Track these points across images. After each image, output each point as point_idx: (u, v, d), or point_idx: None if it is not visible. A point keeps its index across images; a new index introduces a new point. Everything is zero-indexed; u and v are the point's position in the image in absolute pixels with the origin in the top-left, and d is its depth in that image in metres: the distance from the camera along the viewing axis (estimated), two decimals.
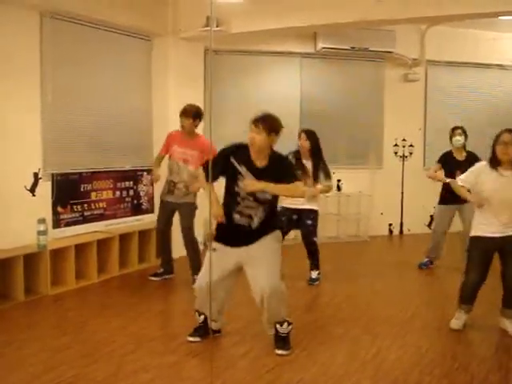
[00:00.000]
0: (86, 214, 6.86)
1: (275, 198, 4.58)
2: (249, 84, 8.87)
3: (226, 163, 4.40)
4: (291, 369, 4.24)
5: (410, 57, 9.42)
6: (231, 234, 4.51)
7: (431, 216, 9.81)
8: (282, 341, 4.56)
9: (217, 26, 7.08)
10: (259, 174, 4.39)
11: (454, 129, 7.16)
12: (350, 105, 9.33)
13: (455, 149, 7.10)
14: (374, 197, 9.44)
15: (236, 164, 4.40)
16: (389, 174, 9.67)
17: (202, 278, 4.64)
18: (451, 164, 7.02)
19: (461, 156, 7.06)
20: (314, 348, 4.63)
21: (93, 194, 6.96)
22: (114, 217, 7.27)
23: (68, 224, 6.62)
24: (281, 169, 4.49)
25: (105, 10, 6.70)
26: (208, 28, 7.05)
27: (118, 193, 7.34)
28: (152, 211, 7.80)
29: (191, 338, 4.75)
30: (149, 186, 7.73)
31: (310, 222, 6.50)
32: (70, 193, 6.66)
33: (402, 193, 9.77)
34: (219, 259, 4.38)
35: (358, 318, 5.44)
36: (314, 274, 6.65)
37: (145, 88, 7.74)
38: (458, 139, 7.03)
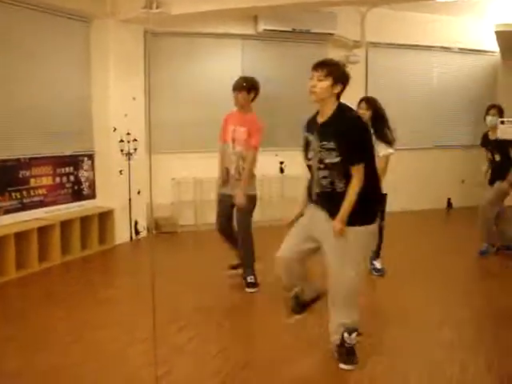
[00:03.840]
0: (25, 201, 6.70)
1: (346, 161, 3.79)
2: (190, 66, 8.78)
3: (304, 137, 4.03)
4: (236, 353, 4.25)
5: (351, 39, 9.48)
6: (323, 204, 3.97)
7: None
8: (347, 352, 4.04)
9: (156, 8, 6.96)
10: (319, 131, 3.88)
11: (488, 108, 6.93)
12: (291, 87, 9.28)
13: (490, 128, 6.91)
14: None
15: (306, 133, 4.02)
16: None
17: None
18: (488, 145, 6.98)
19: (495, 135, 6.78)
20: (259, 330, 4.66)
21: (32, 181, 6.80)
22: (55, 203, 7.14)
23: (7, 212, 6.46)
24: (346, 132, 3.79)
25: None
26: (147, 9, 6.93)
27: (58, 179, 7.20)
28: (94, 197, 7.71)
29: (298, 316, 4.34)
30: (90, 171, 7.61)
31: None
32: (7, 180, 6.49)
33: None
34: None
35: None
36: (379, 264, 6.29)
37: (83, 72, 7.57)
38: (491, 119, 6.81)
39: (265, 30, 8.74)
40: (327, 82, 3.81)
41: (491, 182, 6.98)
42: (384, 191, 5.40)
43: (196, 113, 8.64)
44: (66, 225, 6.95)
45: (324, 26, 9.01)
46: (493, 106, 6.96)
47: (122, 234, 7.78)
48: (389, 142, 5.85)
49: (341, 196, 3.81)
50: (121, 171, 7.74)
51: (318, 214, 3.97)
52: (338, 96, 3.90)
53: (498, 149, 6.89)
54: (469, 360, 4.08)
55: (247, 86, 5.70)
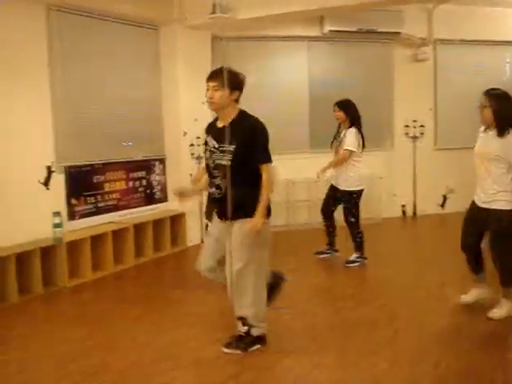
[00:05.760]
0: (99, 205, 6.90)
1: (239, 163, 4.03)
2: (256, 70, 8.82)
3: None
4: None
5: (418, 36, 9.35)
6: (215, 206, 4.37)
7: (444, 196, 9.80)
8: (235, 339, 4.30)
9: (223, 13, 7.05)
10: (218, 134, 4.12)
11: None
12: (359, 87, 9.25)
13: None
14: (386, 178, 9.41)
15: (206, 137, 4.30)
16: (400, 155, 9.62)
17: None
18: None
19: None
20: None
21: (106, 185, 7.00)
22: (128, 207, 7.32)
23: (83, 216, 6.68)
24: (249, 135, 4.04)
25: (110, 1, 6.70)
26: (214, 15, 7.03)
27: (130, 183, 7.38)
28: (165, 200, 7.84)
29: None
30: (161, 175, 7.76)
31: (343, 204, 6.63)
32: (83, 185, 6.71)
33: (415, 174, 9.73)
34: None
35: (375, 299, 5.46)
36: (352, 256, 6.66)
37: (154, 77, 7.75)
38: None
39: (330, 30, 8.72)
40: (225, 92, 4.03)
41: None
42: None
43: (264, 115, 8.66)
44: (139, 228, 7.12)
45: (390, 24, 8.93)
46: None
47: (193, 236, 7.89)
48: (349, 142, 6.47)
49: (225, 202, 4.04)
50: (191, 175, 7.85)
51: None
52: (237, 101, 4.15)
53: None
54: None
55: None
